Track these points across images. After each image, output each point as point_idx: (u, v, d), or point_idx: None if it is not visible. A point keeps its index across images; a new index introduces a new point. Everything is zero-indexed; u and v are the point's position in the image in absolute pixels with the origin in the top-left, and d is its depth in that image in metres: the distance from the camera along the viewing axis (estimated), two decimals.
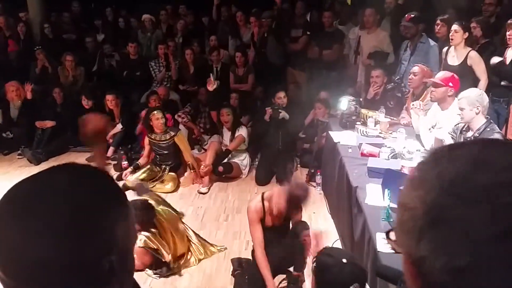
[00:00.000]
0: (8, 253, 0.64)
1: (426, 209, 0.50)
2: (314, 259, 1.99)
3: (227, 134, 5.27)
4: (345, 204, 3.42)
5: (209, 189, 4.95)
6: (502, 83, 4.32)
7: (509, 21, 4.18)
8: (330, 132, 4.51)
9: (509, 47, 4.31)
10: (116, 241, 0.69)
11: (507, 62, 4.31)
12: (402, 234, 0.54)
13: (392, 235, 2.38)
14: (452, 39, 4.41)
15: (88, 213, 0.67)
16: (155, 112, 5.00)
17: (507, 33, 4.19)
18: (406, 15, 4.97)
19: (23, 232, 0.64)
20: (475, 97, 3.17)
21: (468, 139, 3.26)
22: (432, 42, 4.94)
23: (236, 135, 5.15)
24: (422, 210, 0.50)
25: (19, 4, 8.10)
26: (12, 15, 7.90)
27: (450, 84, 3.68)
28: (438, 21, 4.90)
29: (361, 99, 4.85)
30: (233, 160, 5.20)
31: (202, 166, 4.99)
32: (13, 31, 7.51)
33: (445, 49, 4.62)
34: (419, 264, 0.51)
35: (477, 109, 3.15)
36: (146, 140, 5.17)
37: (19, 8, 8.04)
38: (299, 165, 5.46)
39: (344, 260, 1.86)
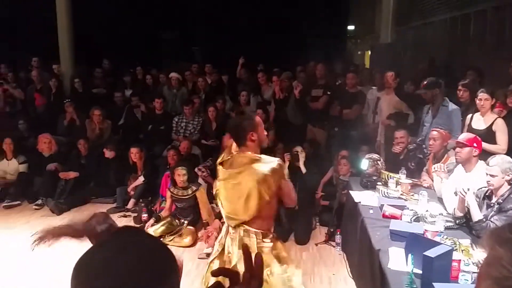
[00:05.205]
0: None
1: None
2: None
3: None
4: (367, 267, 3.35)
5: None
6: None
7: (510, 87, 4.18)
8: (350, 191, 4.49)
9: None
10: None
11: None
12: None
13: None
14: (482, 108, 4.40)
15: (160, 281, 0.81)
16: (179, 168, 5.08)
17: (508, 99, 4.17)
18: (422, 83, 5.06)
19: None
20: (508, 165, 3.16)
21: (492, 204, 3.24)
22: (454, 106, 4.90)
23: None
24: None
25: (53, 56, 8.58)
26: (46, 67, 8.34)
27: (475, 144, 3.69)
28: (460, 87, 4.94)
29: (382, 159, 4.83)
30: None
31: (208, 228, 4.83)
32: (44, 84, 7.87)
33: (469, 116, 4.60)
34: None
35: (508, 176, 3.14)
36: (168, 193, 5.23)
37: (53, 61, 8.50)
38: (318, 223, 5.40)
39: None
